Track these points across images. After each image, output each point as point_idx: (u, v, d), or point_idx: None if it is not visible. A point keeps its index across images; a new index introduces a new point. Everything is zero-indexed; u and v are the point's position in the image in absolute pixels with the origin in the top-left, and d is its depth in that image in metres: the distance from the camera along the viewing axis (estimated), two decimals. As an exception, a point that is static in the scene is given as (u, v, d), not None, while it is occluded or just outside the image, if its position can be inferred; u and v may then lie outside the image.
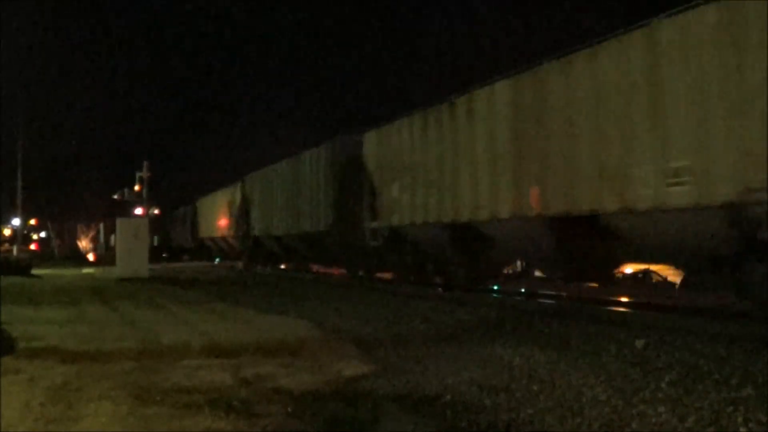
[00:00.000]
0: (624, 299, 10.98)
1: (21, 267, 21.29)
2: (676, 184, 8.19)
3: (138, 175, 28.50)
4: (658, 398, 4.44)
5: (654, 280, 11.30)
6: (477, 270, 13.13)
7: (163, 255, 41.90)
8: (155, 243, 40.38)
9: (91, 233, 45.12)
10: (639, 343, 6.21)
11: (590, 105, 9.66)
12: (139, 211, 29.58)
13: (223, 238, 30.98)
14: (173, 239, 43.51)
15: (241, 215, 27.19)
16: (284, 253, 24.19)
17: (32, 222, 51.22)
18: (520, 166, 11.13)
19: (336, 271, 21.11)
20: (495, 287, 13.56)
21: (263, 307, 10.80)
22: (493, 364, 5.70)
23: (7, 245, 41.40)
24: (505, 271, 13.92)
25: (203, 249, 36.17)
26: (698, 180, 7.95)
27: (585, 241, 9.91)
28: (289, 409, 4.46)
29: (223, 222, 30.76)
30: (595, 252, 9.94)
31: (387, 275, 17.15)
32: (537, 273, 13.47)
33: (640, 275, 11.44)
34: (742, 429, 3.82)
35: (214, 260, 33.81)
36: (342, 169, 17.91)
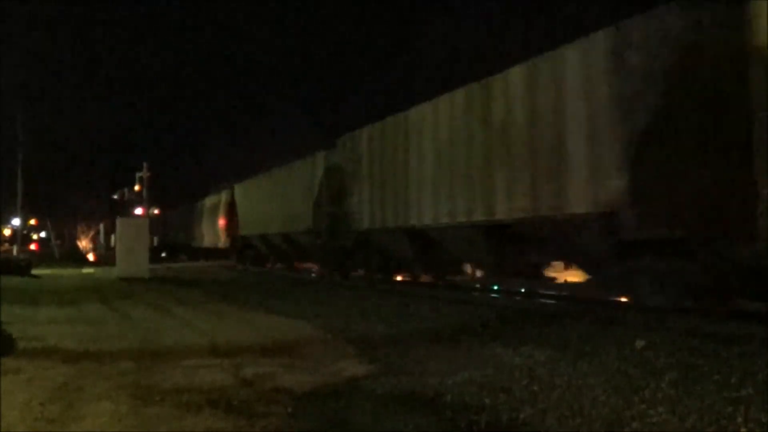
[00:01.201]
0: (624, 299, 10.97)
1: (21, 267, 21.28)
2: None
3: (138, 175, 28.58)
4: (658, 398, 4.44)
5: None
6: None
7: (181, 256, 36.22)
8: (155, 243, 38.97)
9: (91, 233, 45.11)
10: (639, 343, 6.21)
11: None
12: (139, 211, 29.62)
13: (286, 236, 21.35)
14: (195, 238, 34.39)
15: (328, 200, 18.01)
16: (426, 257, 14.18)
17: (32, 222, 51.30)
18: None
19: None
20: (494, 286, 13.44)
21: (264, 308, 10.81)
22: (493, 364, 5.71)
23: (7, 245, 41.47)
24: None
25: (244, 250, 26.76)
26: None
27: None
28: (290, 409, 4.47)
29: (286, 212, 21.24)
30: None
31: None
32: None
33: None
34: (742, 429, 3.82)
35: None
36: (675, 73, 8.18)
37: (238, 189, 27.26)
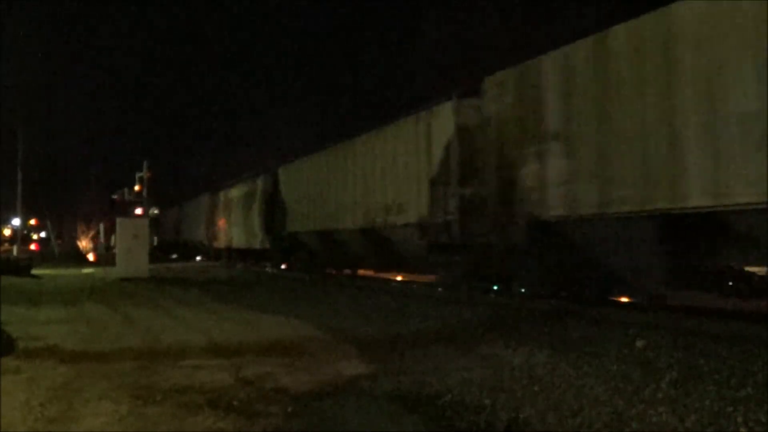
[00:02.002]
0: (624, 299, 10.97)
1: (21, 267, 21.27)
2: None
3: (138, 175, 28.49)
4: (658, 398, 4.45)
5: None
6: None
7: (198, 258, 32.30)
8: (155, 243, 38.16)
9: (91, 233, 45.09)
10: (639, 343, 6.22)
11: None
12: (139, 211, 29.57)
13: (369, 232, 15.49)
14: (217, 237, 28.58)
15: (462, 176, 11.99)
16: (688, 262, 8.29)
17: (32, 222, 51.30)
18: None
19: None
20: (495, 287, 13.40)
21: (263, 308, 10.81)
22: (493, 364, 5.71)
23: (7, 245, 41.46)
24: None
25: (292, 251, 21.11)
26: None
27: None
28: (290, 409, 4.46)
29: (371, 198, 15.35)
30: None
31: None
32: None
33: None
34: (742, 429, 3.82)
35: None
36: None
37: (284, 173, 21.64)
